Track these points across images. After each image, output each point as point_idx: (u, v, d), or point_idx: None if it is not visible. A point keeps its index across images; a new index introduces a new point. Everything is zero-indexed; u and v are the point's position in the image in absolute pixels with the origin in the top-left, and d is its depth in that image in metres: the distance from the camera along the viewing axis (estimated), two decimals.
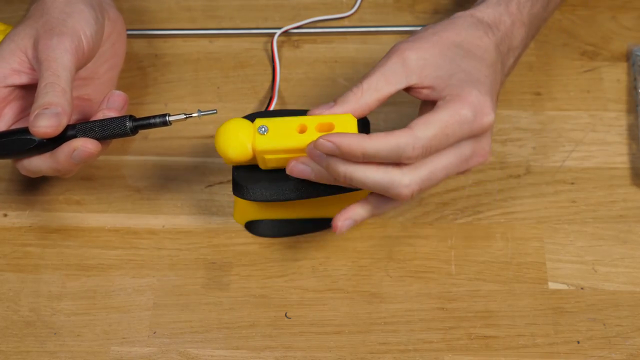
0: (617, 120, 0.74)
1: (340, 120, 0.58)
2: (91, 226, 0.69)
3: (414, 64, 0.58)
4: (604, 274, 0.66)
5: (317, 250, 0.67)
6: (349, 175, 0.56)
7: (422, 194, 0.59)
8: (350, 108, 0.58)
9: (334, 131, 0.58)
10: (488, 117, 0.57)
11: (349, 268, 0.67)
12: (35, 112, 0.59)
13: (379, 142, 0.55)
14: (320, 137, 0.56)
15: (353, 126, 0.58)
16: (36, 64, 0.62)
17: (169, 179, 0.71)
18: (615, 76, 0.76)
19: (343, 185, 0.59)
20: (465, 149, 0.57)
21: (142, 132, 0.73)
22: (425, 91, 0.59)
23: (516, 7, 0.63)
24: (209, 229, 0.69)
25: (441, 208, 0.69)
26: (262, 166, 0.62)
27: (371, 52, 0.77)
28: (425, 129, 0.55)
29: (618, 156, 0.72)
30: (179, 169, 0.72)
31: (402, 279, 0.66)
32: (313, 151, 0.57)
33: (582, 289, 0.65)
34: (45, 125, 0.59)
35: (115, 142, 0.73)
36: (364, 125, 0.63)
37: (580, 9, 0.80)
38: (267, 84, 0.76)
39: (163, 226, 0.69)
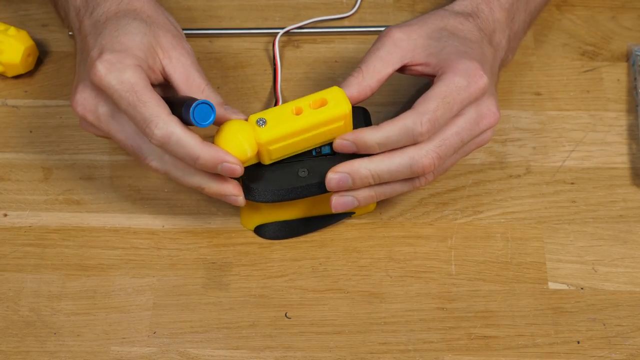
0: (617, 120, 0.74)
1: (330, 94, 0.61)
2: (91, 226, 0.69)
3: (405, 45, 0.63)
4: (604, 274, 0.66)
5: (317, 250, 0.67)
6: (375, 171, 0.60)
7: (445, 163, 0.63)
8: (354, 91, 0.62)
9: (327, 105, 0.61)
10: (482, 79, 0.61)
11: (349, 268, 0.67)
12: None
13: (388, 128, 0.60)
14: (336, 139, 0.61)
15: (343, 96, 0.61)
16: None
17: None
18: (615, 76, 0.76)
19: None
20: (470, 112, 0.61)
21: None
22: (419, 67, 0.64)
23: None
24: (209, 229, 0.68)
25: (441, 208, 0.69)
26: (266, 160, 0.62)
27: None
28: (426, 104, 0.59)
29: (618, 156, 0.72)
30: None
31: (402, 279, 0.66)
32: (335, 183, 0.61)
33: (582, 289, 0.65)
34: None
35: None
36: (365, 115, 0.65)
37: (580, 9, 0.80)
38: (267, 84, 0.76)
39: (163, 226, 0.69)
